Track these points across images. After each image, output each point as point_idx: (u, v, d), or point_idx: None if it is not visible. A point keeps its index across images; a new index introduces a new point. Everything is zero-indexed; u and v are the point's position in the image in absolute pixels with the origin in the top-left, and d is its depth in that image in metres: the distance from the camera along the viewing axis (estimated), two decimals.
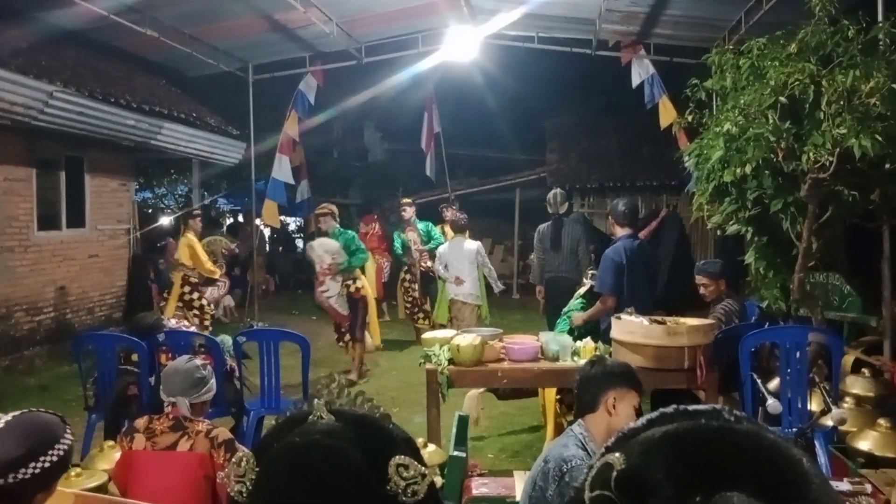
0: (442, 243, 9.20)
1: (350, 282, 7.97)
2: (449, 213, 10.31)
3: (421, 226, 10.19)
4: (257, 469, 0.91)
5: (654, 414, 0.76)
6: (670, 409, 0.76)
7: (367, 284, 8.40)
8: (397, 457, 0.88)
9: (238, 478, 0.92)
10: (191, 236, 8.90)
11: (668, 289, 7.84)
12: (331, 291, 7.84)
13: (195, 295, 8.85)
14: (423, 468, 0.90)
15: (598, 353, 4.71)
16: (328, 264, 7.77)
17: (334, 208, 8.20)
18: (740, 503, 0.63)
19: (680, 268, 8.49)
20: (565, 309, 5.81)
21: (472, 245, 8.50)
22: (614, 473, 0.68)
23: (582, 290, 5.91)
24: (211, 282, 9.52)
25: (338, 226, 8.07)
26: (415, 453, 0.93)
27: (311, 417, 0.93)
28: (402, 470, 0.88)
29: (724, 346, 4.81)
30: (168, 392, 3.23)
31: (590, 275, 5.82)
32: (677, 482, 0.66)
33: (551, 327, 6.92)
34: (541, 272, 7.81)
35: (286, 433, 0.92)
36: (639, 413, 2.83)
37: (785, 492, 0.65)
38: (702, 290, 5.30)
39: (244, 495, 0.91)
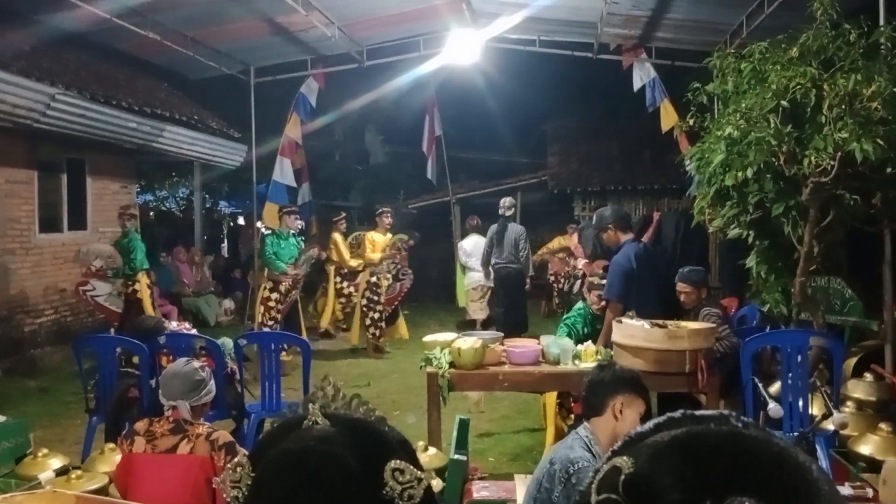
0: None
1: (130, 283, 8.44)
2: (388, 220, 10.10)
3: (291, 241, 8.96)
4: (253, 475, 0.91)
5: (662, 418, 0.75)
6: (677, 413, 0.75)
7: (145, 287, 8.68)
8: (393, 461, 0.88)
9: (234, 483, 0.91)
10: (336, 235, 10.28)
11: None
12: (98, 291, 8.41)
13: (344, 283, 10.23)
14: (419, 472, 0.89)
15: (599, 356, 4.71)
16: (97, 267, 8.33)
17: (136, 212, 8.82)
18: None
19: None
20: (565, 316, 5.80)
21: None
22: (622, 477, 0.68)
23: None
24: (354, 275, 10.28)
25: (134, 229, 8.58)
26: (411, 457, 0.92)
27: (305, 422, 0.92)
28: (398, 474, 0.87)
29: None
30: (168, 395, 3.22)
31: (593, 281, 5.76)
32: (686, 487, 0.65)
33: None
34: (487, 261, 9.66)
35: (281, 438, 0.92)
36: (644, 420, 2.83)
37: (794, 499, 0.65)
38: (682, 298, 5.26)
39: (240, 501, 0.91)
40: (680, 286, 5.25)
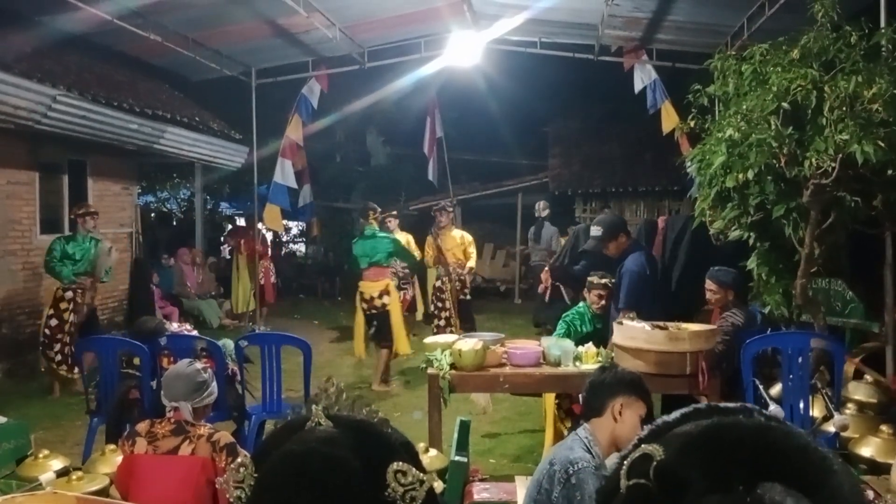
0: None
1: (80, 290, 7.96)
2: (444, 219, 9.74)
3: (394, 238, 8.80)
4: (256, 476, 0.91)
5: (688, 409, 0.78)
6: (702, 405, 0.79)
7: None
8: (395, 463, 0.88)
9: (237, 484, 0.92)
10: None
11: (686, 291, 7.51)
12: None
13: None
14: (422, 474, 0.89)
15: (600, 358, 4.71)
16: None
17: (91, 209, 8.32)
18: (782, 493, 0.66)
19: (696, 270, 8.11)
20: (565, 314, 5.80)
21: None
22: (654, 463, 0.71)
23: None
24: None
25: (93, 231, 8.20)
26: (413, 459, 0.93)
27: (308, 424, 0.93)
28: (400, 476, 0.88)
29: (726, 351, 4.80)
30: (170, 397, 3.23)
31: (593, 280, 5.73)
32: (715, 476, 0.68)
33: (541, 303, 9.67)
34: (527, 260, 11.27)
35: (284, 440, 0.93)
36: (645, 423, 2.83)
37: (819, 491, 0.67)
38: (708, 296, 5.25)
39: (243, 501, 0.91)
40: (707, 283, 5.23)
